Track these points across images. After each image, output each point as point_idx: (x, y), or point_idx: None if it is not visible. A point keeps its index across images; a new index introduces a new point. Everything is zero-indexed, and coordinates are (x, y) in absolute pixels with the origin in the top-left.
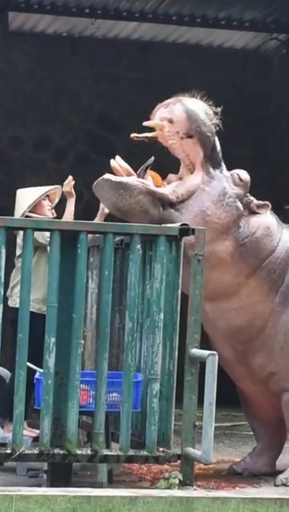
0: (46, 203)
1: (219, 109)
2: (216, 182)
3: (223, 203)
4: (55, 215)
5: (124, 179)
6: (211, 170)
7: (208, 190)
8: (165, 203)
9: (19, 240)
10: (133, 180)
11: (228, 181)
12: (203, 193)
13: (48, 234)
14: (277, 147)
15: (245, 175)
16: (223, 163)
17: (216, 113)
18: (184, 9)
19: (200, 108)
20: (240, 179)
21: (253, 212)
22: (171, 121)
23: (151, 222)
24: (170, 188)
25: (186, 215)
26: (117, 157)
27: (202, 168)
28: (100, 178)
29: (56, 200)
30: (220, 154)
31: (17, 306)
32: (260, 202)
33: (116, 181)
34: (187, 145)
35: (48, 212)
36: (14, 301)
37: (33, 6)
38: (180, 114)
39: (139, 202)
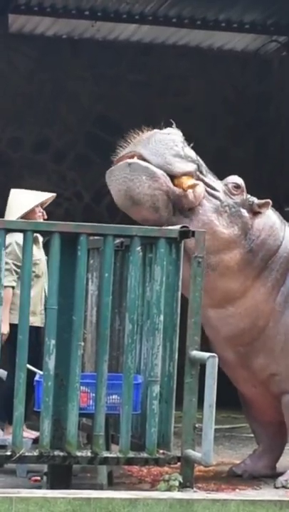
0: (38, 209)
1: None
2: (214, 197)
3: (228, 214)
4: (45, 217)
5: (153, 167)
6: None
7: (212, 204)
8: (184, 206)
9: None
10: (160, 173)
11: (225, 191)
12: (208, 205)
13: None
14: (278, 149)
15: (239, 180)
16: (211, 175)
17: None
18: (183, 11)
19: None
20: (236, 186)
21: (255, 213)
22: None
23: (157, 223)
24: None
25: (195, 223)
26: None
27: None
28: (121, 162)
29: (46, 204)
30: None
31: None
32: (261, 201)
33: (144, 165)
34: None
35: (38, 218)
36: None
37: (33, 8)
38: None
39: (153, 197)
